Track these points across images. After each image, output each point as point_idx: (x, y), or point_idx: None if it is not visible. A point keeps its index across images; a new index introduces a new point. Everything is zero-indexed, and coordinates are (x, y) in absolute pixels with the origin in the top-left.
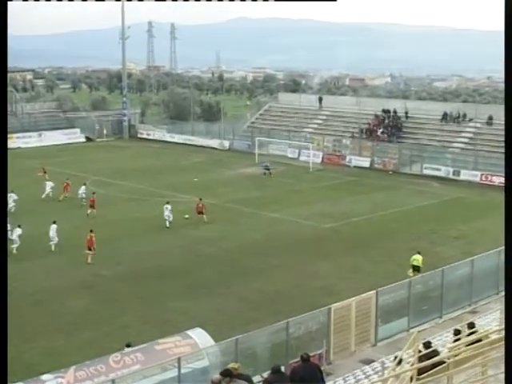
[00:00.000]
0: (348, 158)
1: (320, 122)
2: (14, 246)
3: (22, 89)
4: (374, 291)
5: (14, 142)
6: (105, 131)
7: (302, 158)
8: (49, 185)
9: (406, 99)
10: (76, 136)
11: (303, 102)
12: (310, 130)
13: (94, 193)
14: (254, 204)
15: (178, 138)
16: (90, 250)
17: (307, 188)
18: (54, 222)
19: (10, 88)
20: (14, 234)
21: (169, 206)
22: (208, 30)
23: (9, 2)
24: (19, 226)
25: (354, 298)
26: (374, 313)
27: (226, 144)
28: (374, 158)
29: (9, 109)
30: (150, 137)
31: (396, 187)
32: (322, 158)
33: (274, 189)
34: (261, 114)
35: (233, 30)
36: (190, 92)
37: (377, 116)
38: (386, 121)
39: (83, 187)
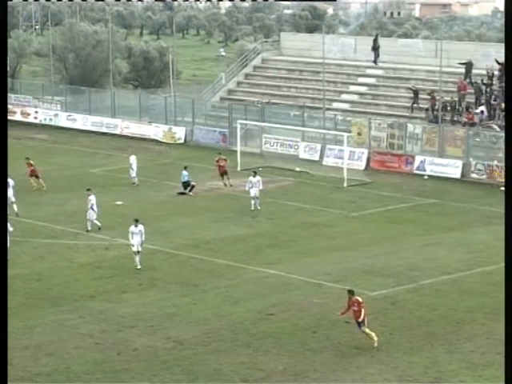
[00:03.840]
0: (418, 161)
1: (363, 89)
2: None
3: None
4: None
5: None
6: None
7: (329, 161)
8: None
9: None
10: None
11: (330, 50)
12: (345, 105)
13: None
14: (234, 251)
15: (84, 122)
16: None
17: (338, 219)
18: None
19: None
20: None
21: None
22: None
23: None
24: None
25: None
26: None
27: (180, 133)
28: (469, 160)
29: None
30: (29, 119)
31: None
32: (368, 161)
33: (274, 222)
34: (247, 75)
35: None
36: (108, 30)
37: (475, 79)
38: (496, 86)
39: None
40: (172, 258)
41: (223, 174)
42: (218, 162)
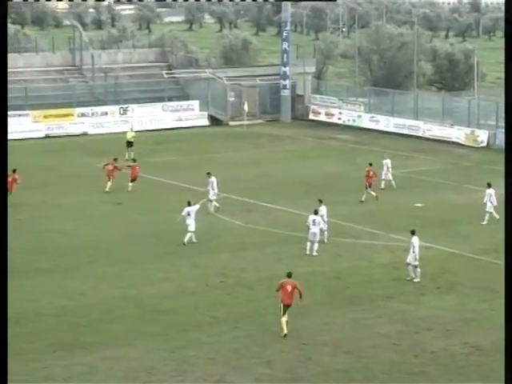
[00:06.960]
0: None
1: None
2: None
3: (93, 23)
4: None
5: (76, 122)
6: (245, 106)
7: None
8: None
9: None
10: (191, 114)
11: None
12: None
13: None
14: None
15: (386, 124)
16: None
17: None
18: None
19: (73, 21)
20: None
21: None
22: None
23: None
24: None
25: None
26: None
27: (483, 136)
28: None
29: (70, 61)
30: (333, 119)
31: None
32: None
33: None
34: None
35: None
36: (414, 32)
37: None
38: None
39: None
40: (471, 263)
41: (367, 185)
42: (368, 173)
